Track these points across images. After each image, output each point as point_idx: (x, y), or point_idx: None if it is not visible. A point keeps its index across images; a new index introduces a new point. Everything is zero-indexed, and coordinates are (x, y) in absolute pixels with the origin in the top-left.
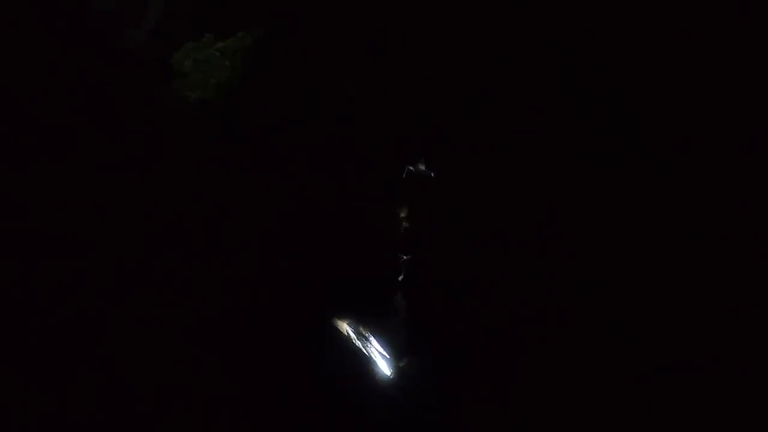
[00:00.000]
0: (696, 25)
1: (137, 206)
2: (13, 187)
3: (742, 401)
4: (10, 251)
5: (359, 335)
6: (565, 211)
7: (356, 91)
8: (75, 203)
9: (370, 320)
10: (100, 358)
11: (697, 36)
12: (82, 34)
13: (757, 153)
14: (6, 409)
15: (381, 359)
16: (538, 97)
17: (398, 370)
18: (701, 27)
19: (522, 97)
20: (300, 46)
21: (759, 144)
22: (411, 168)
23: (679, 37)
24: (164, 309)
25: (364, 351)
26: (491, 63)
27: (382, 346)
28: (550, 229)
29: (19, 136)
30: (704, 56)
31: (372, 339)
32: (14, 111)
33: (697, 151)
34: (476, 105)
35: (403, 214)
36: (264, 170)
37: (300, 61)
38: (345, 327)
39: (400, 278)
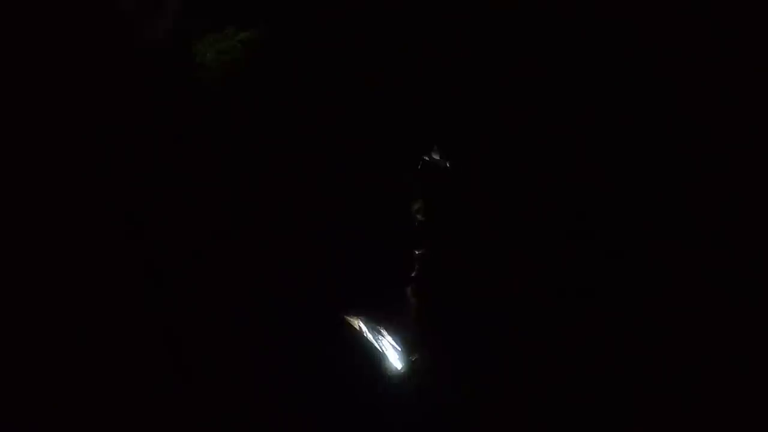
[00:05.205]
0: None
1: (156, 199)
2: (34, 179)
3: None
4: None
5: (371, 330)
6: (588, 206)
7: (378, 80)
8: (93, 196)
9: (383, 315)
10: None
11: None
12: (101, 27)
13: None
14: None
15: (393, 354)
16: (566, 87)
17: (410, 365)
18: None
19: (549, 86)
20: (323, 37)
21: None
22: (426, 158)
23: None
24: (175, 304)
25: (376, 346)
26: (517, 49)
27: (394, 341)
28: (571, 224)
29: (40, 131)
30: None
31: (384, 333)
32: (36, 107)
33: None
34: (497, 93)
35: (417, 207)
36: (283, 163)
37: (323, 52)
38: (356, 322)
39: (414, 273)
